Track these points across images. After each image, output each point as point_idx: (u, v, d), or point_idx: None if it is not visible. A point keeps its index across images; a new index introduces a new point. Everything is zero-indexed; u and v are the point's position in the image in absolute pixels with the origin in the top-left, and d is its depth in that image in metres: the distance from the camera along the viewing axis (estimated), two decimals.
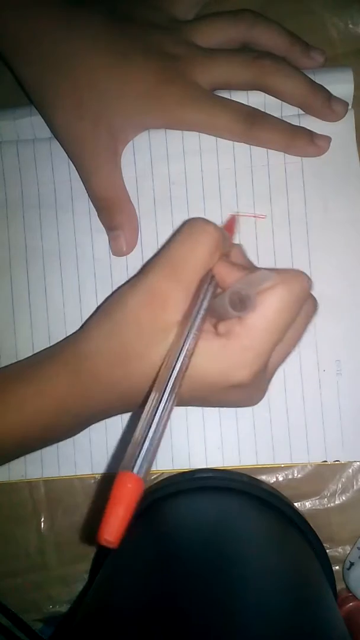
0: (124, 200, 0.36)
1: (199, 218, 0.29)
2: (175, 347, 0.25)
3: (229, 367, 0.26)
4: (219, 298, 0.27)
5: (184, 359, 0.25)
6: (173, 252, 0.28)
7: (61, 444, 0.36)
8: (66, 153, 0.36)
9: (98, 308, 0.32)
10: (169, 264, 0.27)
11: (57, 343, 0.33)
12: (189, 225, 0.28)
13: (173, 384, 0.24)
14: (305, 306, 0.28)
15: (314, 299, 0.29)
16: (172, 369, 0.24)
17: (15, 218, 0.38)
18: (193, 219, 0.29)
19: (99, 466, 0.37)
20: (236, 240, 0.35)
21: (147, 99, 0.34)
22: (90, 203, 0.37)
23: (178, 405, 0.30)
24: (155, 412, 0.23)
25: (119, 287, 0.29)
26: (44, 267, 0.38)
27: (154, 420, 0.23)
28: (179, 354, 0.25)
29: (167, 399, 0.23)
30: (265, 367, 0.28)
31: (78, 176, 0.36)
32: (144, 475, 0.21)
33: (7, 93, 0.39)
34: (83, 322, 0.37)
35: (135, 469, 0.21)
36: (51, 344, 0.37)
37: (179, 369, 0.24)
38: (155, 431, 0.22)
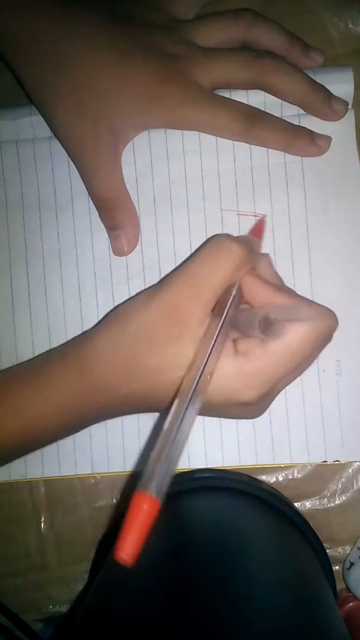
0: (125, 200, 0.36)
1: (225, 235, 0.28)
2: (196, 365, 0.25)
3: (242, 387, 0.27)
4: (246, 314, 0.27)
5: (204, 378, 0.25)
6: (195, 270, 0.27)
7: (61, 443, 0.36)
8: (67, 153, 0.36)
9: (108, 314, 0.32)
10: (190, 282, 0.27)
11: (60, 346, 0.32)
12: (214, 242, 0.28)
13: (193, 403, 0.24)
14: None
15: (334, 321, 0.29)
16: (192, 388, 0.24)
17: (15, 218, 0.38)
18: (219, 236, 0.28)
19: (99, 466, 0.37)
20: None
21: (147, 98, 0.34)
22: (90, 203, 0.37)
23: None
24: (175, 434, 0.23)
25: (134, 296, 0.29)
26: (44, 267, 0.38)
27: (172, 441, 0.23)
28: (200, 374, 0.25)
29: (186, 420, 0.23)
30: (273, 390, 0.28)
31: (78, 176, 0.36)
32: (162, 496, 0.21)
33: (7, 93, 0.39)
34: (83, 321, 0.37)
35: (152, 490, 0.21)
36: (51, 344, 0.37)
37: (200, 387, 0.24)
38: (173, 452, 0.22)
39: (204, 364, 0.25)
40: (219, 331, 0.26)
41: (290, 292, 0.29)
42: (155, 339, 0.27)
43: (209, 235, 0.36)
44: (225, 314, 0.26)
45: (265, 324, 0.25)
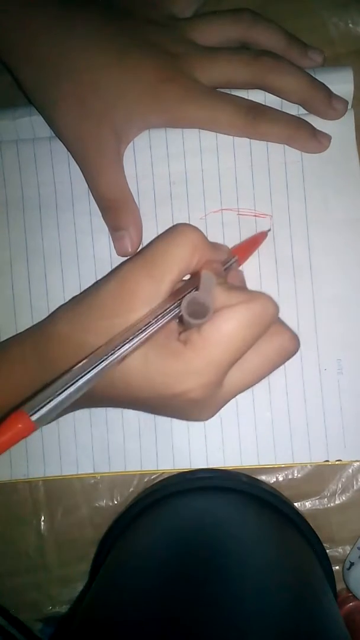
0: (128, 200, 0.36)
1: (185, 223, 0.30)
2: (131, 327, 0.26)
3: (181, 373, 0.27)
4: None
5: (130, 341, 0.25)
6: (150, 248, 0.29)
7: (63, 442, 0.36)
8: (70, 153, 0.36)
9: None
10: (143, 258, 0.28)
11: (27, 329, 0.33)
12: (172, 227, 0.29)
13: (108, 360, 0.24)
14: (278, 338, 0.28)
15: (297, 340, 0.29)
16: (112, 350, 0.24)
17: (15, 218, 0.38)
18: (179, 223, 0.30)
19: (100, 466, 0.37)
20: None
21: (148, 97, 0.34)
22: (91, 203, 0.37)
23: (128, 407, 0.31)
24: (80, 376, 0.23)
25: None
26: (44, 267, 0.38)
27: (77, 380, 0.23)
28: (125, 337, 0.25)
29: (94, 370, 0.24)
30: (219, 385, 0.28)
31: (78, 176, 0.36)
32: (40, 422, 0.22)
33: (7, 93, 0.39)
34: None
35: (34, 416, 0.22)
36: None
37: (117, 351, 0.25)
38: (71, 390, 0.23)
39: (134, 331, 0.25)
40: (162, 313, 0.26)
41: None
42: (105, 310, 0.28)
43: (210, 235, 0.36)
44: (173, 303, 0.27)
45: (197, 311, 0.25)
